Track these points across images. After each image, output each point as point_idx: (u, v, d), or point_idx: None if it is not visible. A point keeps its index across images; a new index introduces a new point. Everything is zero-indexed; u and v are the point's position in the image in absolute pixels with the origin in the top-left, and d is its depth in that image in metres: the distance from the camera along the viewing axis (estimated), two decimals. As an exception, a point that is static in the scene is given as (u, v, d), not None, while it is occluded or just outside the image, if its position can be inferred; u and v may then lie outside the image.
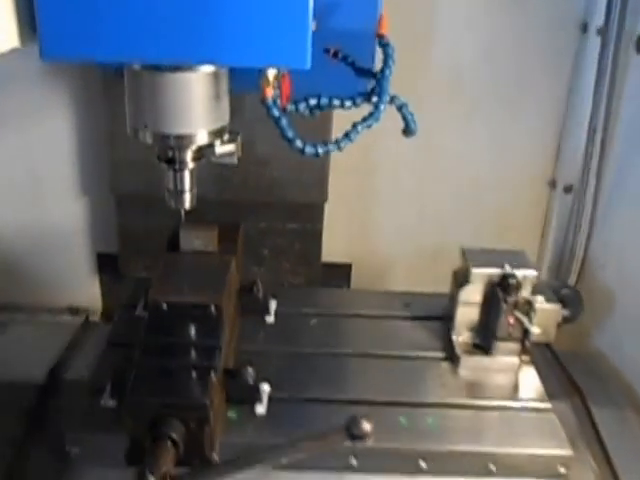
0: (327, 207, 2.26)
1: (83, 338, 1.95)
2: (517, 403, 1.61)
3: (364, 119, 1.43)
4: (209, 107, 1.39)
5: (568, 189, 2.33)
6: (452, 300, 1.77)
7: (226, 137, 1.50)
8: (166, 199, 1.54)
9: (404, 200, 2.43)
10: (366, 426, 1.25)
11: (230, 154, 1.52)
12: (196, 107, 1.37)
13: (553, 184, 2.37)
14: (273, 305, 1.84)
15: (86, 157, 2.27)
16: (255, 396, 1.52)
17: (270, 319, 1.81)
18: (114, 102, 2.03)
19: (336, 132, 1.95)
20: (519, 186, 2.39)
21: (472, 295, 1.70)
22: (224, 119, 1.45)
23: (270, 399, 1.53)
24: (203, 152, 1.49)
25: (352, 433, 1.25)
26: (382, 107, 1.44)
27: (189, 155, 1.48)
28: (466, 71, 2.24)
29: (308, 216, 2.28)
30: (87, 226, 2.40)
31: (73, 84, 2.16)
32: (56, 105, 2.18)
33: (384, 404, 1.57)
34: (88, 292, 2.48)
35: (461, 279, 1.72)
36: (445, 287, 2.43)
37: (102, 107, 2.09)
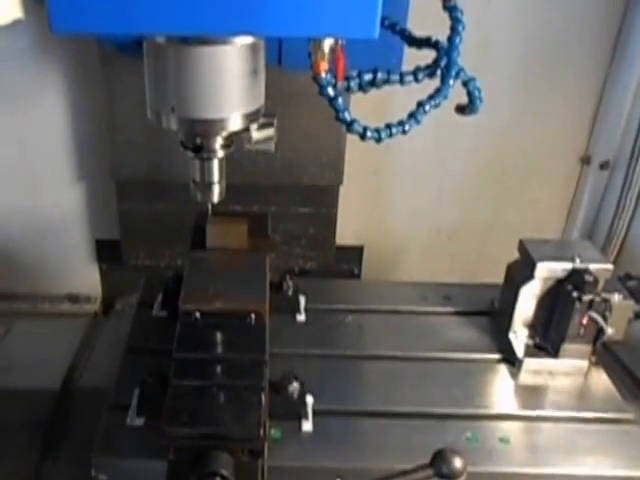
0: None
1: (91, 336, 1.65)
2: (591, 413, 1.34)
3: (431, 97, 1.14)
4: (244, 86, 1.10)
5: (604, 165, 2.07)
6: (506, 295, 1.49)
7: (261, 120, 1.21)
8: (191, 191, 1.25)
9: (421, 178, 2.16)
10: (457, 463, 0.98)
11: (267, 140, 1.22)
12: (230, 87, 1.08)
13: (587, 160, 2.11)
14: (302, 302, 1.55)
15: (83, 140, 1.98)
16: (300, 412, 1.25)
17: (301, 317, 1.53)
18: (113, 80, 1.78)
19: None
20: (547, 163, 2.13)
21: (533, 291, 1.42)
22: (260, 100, 1.17)
23: (314, 413, 1.26)
24: (234, 138, 1.21)
25: (441, 471, 0.98)
26: (451, 82, 1.15)
27: (219, 142, 1.19)
28: (496, 36, 1.94)
29: (322, 199, 2.02)
30: (85, 212, 2.11)
31: (67, 61, 1.86)
32: (49, 84, 1.88)
33: (441, 417, 1.30)
34: (88, 280, 2.21)
35: (521, 273, 1.44)
36: (462, 272, 2.27)
37: (99, 86, 1.79)
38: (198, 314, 1.23)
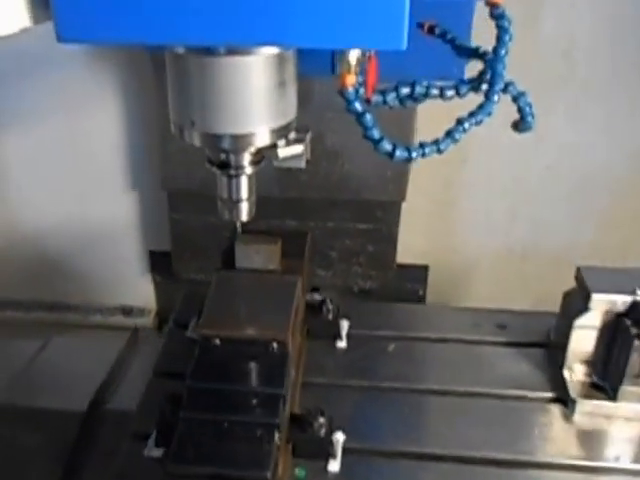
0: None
1: (132, 353, 1.64)
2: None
3: (472, 113, 1.06)
4: (272, 99, 1.05)
5: None
6: (561, 327, 1.40)
7: (292, 135, 1.16)
8: (219, 209, 1.22)
9: (494, 194, 2.06)
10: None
11: (297, 157, 1.17)
12: (256, 100, 1.04)
13: None
14: (345, 326, 1.49)
15: (136, 149, 1.98)
16: (327, 450, 1.19)
17: (342, 344, 1.47)
18: (165, 89, 1.73)
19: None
20: (632, 183, 1.99)
21: (590, 324, 1.32)
22: (290, 114, 1.12)
23: (344, 451, 1.20)
24: (264, 154, 1.16)
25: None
26: (495, 98, 1.06)
27: (247, 159, 1.15)
28: (579, 47, 1.82)
29: (383, 216, 1.94)
30: (138, 222, 2.12)
31: (121, 67, 1.85)
32: (103, 92, 1.88)
33: (479, 462, 1.22)
34: (141, 292, 2.22)
35: (576, 303, 1.34)
36: (535, 294, 2.13)
37: (152, 94, 1.77)
38: (218, 340, 1.20)
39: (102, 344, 1.69)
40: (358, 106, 1.01)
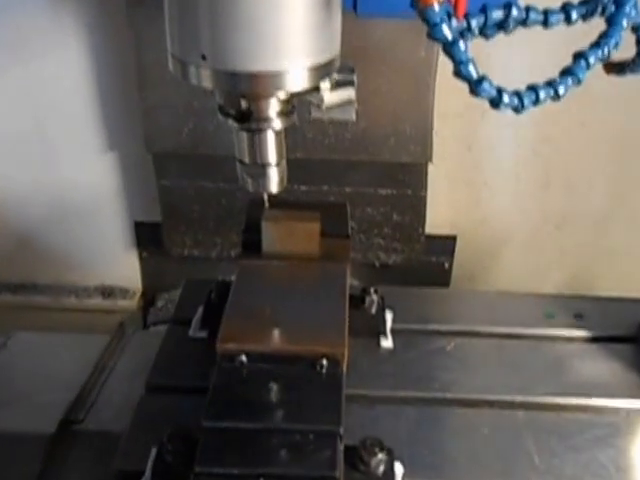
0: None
1: (115, 356, 1.31)
2: None
3: (595, 45, 0.75)
4: (311, 28, 0.77)
5: None
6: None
7: (335, 77, 0.86)
8: (239, 178, 0.90)
9: (525, 156, 1.77)
10: None
11: (346, 104, 0.86)
12: (289, 28, 0.75)
13: None
14: (389, 320, 1.19)
15: (110, 101, 1.65)
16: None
17: (387, 343, 1.16)
18: (141, 28, 1.45)
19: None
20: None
21: None
22: (334, 48, 0.82)
23: (402, 487, 0.91)
24: (296, 103, 0.87)
25: None
26: (625, 22, 0.76)
27: (275, 108, 0.85)
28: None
29: (408, 179, 1.67)
30: (120, 189, 1.80)
31: (87, 3, 1.51)
32: (67, 32, 1.54)
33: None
34: (124, 270, 1.91)
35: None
36: (573, 268, 1.91)
37: (126, 34, 1.48)
38: (244, 357, 0.88)
39: (78, 342, 1.35)
40: (447, 31, 0.70)
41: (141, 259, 1.89)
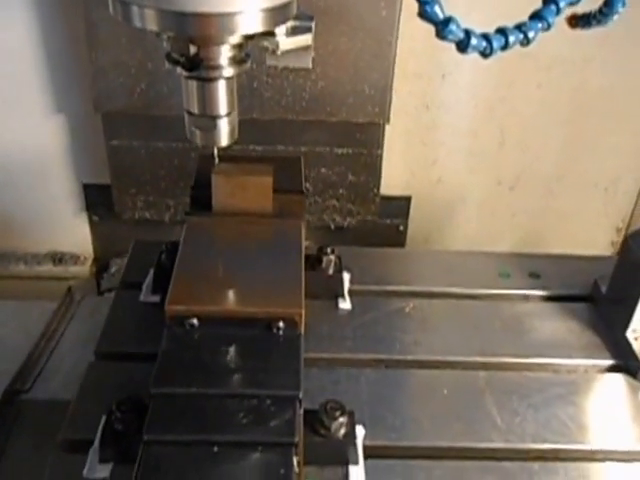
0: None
1: (63, 322, 1.23)
2: None
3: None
4: None
5: None
6: (623, 278, 1.08)
7: (291, 23, 0.79)
8: (187, 130, 0.83)
9: (480, 117, 1.73)
10: None
11: (302, 51, 0.79)
12: None
13: None
14: (346, 281, 1.14)
15: (58, 60, 1.56)
16: (347, 455, 0.84)
17: (345, 305, 1.11)
18: None
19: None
20: (628, 104, 1.69)
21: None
22: None
23: (365, 451, 0.86)
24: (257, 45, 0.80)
25: None
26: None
27: (227, 54, 0.78)
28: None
29: (364, 139, 1.61)
30: (68, 151, 1.70)
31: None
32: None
33: (544, 457, 0.90)
34: (75, 235, 1.82)
35: (647, 252, 1.02)
36: (526, 229, 1.89)
37: None
38: (195, 320, 0.81)
39: (25, 309, 1.26)
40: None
41: (91, 223, 1.80)
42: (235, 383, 0.78)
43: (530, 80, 1.67)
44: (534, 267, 1.23)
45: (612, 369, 1.05)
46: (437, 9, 0.64)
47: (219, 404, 0.75)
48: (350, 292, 1.12)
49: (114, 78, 1.46)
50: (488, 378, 1.01)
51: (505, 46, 0.67)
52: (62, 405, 0.95)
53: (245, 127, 1.47)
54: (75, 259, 1.79)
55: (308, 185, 1.61)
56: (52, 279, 1.77)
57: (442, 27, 0.64)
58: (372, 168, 1.63)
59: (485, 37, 0.66)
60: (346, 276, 1.13)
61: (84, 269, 1.78)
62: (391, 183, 1.75)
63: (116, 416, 0.81)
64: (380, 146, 1.60)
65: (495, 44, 0.67)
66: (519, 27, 0.68)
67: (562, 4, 0.69)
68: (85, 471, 0.81)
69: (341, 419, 0.82)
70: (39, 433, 0.98)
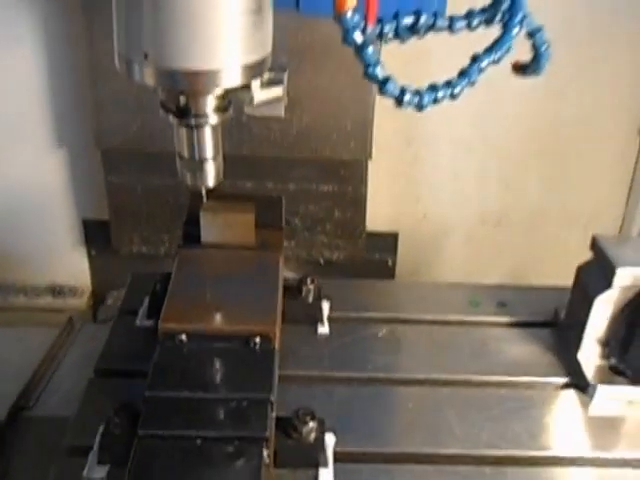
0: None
1: (63, 348, 1.40)
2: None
3: (489, 49, 0.88)
4: (243, 30, 0.87)
5: None
6: (576, 304, 1.24)
7: (267, 76, 0.97)
8: (178, 171, 1.00)
9: (460, 151, 1.91)
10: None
11: (275, 101, 0.97)
12: (224, 28, 0.85)
13: None
14: (326, 309, 1.31)
15: (61, 95, 1.75)
16: (318, 458, 1.00)
17: (324, 329, 1.28)
18: (95, 25, 1.54)
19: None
20: (603, 134, 1.88)
21: (611, 301, 1.16)
22: (265, 48, 0.92)
23: (335, 457, 1.02)
24: (232, 99, 0.97)
25: None
26: (515, 31, 0.89)
27: (211, 104, 0.95)
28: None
29: (349, 176, 1.78)
30: (68, 186, 1.89)
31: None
32: (20, 29, 1.64)
33: (498, 462, 1.05)
34: (73, 268, 2.00)
35: (595, 279, 1.18)
36: (510, 261, 2.05)
37: (80, 32, 1.57)
38: (184, 336, 0.99)
39: (28, 335, 1.43)
40: (358, 36, 0.82)
41: (90, 257, 1.97)
42: (217, 388, 0.95)
43: (507, 113, 1.84)
44: (502, 297, 1.39)
45: (566, 386, 1.20)
46: (378, 70, 0.82)
47: (203, 406, 0.92)
48: (330, 319, 1.29)
49: (113, 114, 1.64)
50: (451, 393, 1.17)
51: (435, 100, 0.85)
52: (61, 420, 1.12)
53: (235, 163, 1.65)
54: (73, 291, 1.96)
55: (297, 221, 1.78)
56: (51, 311, 1.94)
57: (382, 86, 0.82)
58: (357, 204, 1.80)
59: (418, 93, 0.84)
60: (326, 304, 1.30)
61: (82, 301, 1.96)
62: (378, 219, 1.92)
63: (114, 422, 0.97)
64: (364, 183, 1.77)
65: (426, 99, 0.84)
66: (448, 83, 0.86)
67: (484, 63, 0.87)
68: (85, 472, 0.97)
69: (311, 424, 0.98)
70: (41, 445, 1.14)
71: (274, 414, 0.94)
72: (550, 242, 1.99)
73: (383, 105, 1.66)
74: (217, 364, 0.98)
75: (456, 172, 1.93)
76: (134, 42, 0.85)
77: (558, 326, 1.32)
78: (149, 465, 0.85)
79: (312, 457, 1.00)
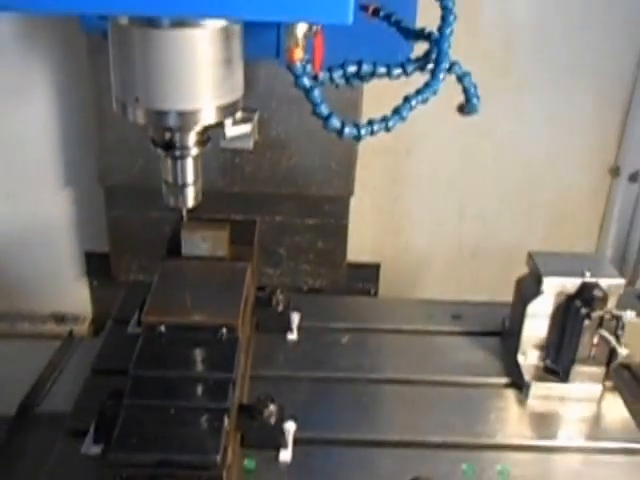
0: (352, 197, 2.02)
1: (65, 357, 1.67)
2: (604, 443, 1.34)
3: (419, 91, 1.16)
4: (218, 75, 1.12)
5: (634, 177, 2.11)
6: (516, 313, 1.50)
7: (239, 115, 1.23)
8: (163, 195, 1.27)
9: (441, 189, 2.17)
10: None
11: (244, 137, 1.24)
12: (202, 75, 1.10)
13: (616, 172, 2.13)
14: (295, 319, 1.58)
15: (69, 140, 2.01)
16: (278, 439, 1.26)
17: (292, 336, 1.55)
18: (101, 73, 1.75)
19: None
20: (575, 174, 2.15)
21: (543, 308, 1.42)
22: (237, 91, 1.18)
23: (295, 441, 1.28)
24: (210, 134, 1.23)
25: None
26: (441, 75, 1.17)
27: (192, 138, 1.21)
28: (517, 38, 1.97)
29: (332, 210, 2.02)
30: (72, 220, 2.14)
31: (53, 50, 1.88)
32: (32, 76, 1.91)
33: (437, 446, 1.30)
34: (76, 297, 2.23)
35: (529, 289, 1.45)
36: (487, 291, 2.24)
37: (87, 79, 1.82)
38: (163, 327, 1.26)
39: (34, 350, 1.72)
40: (306, 81, 1.09)
41: (91, 287, 2.20)
42: (190, 369, 1.22)
43: (486, 155, 2.10)
44: (457, 310, 1.66)
45: (507, 386, 1.45)
46: (323, 108, 1.10)
47: (178, 382, 1.18)
48: (299, 328, 1.56)
49: (117, 155, 1.87)
50: (401, 390, 1.42)
51: (372, 132, 1.12)
52: (63, 416, 1.37)
53: (228, 199, 1.92)
54: (75, 319, 2.19)
55: (282, 251, 2.04)
56: (54, 338, 2.18)
57: (325, 121, 1.10)
58: (339, 236, 2.02)
59: (356, 126, 1.11)
60: (296, 315, 1.57)
61: (83, 328, 2.17)
62: (362, 250, 2.15)
63: (107, 405, 1.22)
64: (346, 217, 2.00)
65: (363, 132, 1.11)
66: (383, 119, 1.13)
67: (414, 102, 1.14)
68: (83, 448, 1.23)
69: (272, 407, 1.24)
70: (47, 436, 1.39)
71: (237, 392, 1.20)
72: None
73: (370, 146, 1.87)
74: (190, 350, 1.25)
75: (436, 208, 2.18)
76: (127, 88, 1.11)
77: (504, 334, 1.57)
78: (133, 427, 1.11)
79: (273, 438, 1.26)
